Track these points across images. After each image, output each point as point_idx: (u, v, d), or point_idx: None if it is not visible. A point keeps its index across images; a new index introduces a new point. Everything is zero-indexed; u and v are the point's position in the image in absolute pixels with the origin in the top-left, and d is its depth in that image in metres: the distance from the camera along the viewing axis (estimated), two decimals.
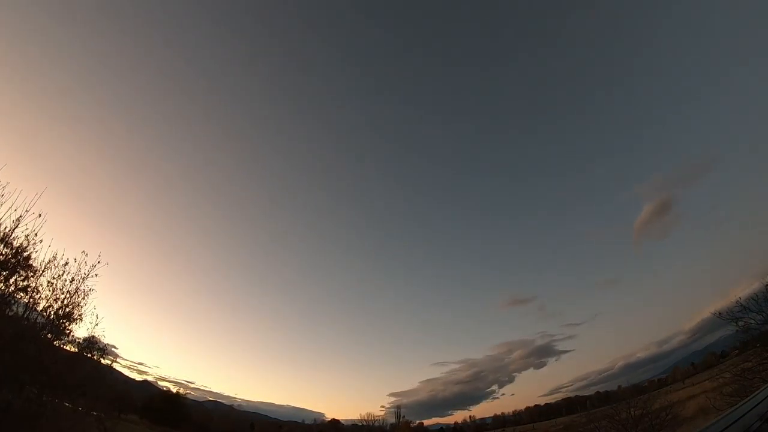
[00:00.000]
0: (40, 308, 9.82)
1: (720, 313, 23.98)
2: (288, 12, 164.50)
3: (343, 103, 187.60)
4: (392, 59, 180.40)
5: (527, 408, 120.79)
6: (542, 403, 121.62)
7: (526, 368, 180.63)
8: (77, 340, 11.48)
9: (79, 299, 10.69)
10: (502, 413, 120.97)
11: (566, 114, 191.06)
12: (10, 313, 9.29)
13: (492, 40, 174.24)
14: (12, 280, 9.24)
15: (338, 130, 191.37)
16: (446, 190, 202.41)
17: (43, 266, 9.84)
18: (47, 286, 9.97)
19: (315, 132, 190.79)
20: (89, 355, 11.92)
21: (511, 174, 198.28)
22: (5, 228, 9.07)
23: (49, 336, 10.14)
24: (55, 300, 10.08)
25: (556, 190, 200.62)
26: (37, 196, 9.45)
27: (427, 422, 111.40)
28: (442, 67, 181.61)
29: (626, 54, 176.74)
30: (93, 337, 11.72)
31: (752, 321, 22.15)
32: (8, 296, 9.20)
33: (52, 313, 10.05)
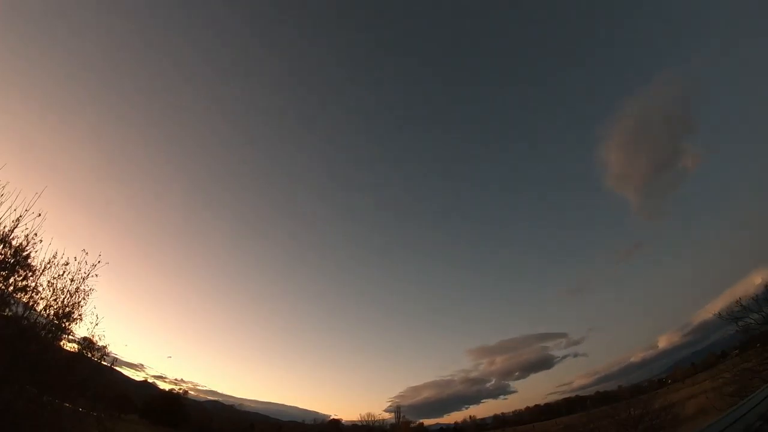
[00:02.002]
0: (39, 308, 9.80)
1: (720, 313, 24.01)
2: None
3: (352, 95, 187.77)
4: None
5: (527, 408, 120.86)
6: (542, 403, 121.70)
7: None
8: (77, 339, 11.47)
9: (79, 299, 10.67)
10: (503, 413, 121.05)
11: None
12: (9, 313, 9.27)
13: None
14: (11, 280, 9.23)
15: (341, 116, 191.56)
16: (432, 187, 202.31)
17: (42, 266, 9.82)
18: (47, 285, 9.96)
19: (318, 126, 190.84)
20: (89, 355, 11.90)
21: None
22: (5, 227, 9.07)
23: (48, 336, 10.12)
24: (55, 300, 10.05)
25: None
26: (37, 195, 9.44)
27: (427, 422, 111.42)
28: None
29: None
30: (93, 337, 11.71)
31: (752, 321, 22.15)
32: (8, 296, 9.19)
33: (51, 312, 10.03)
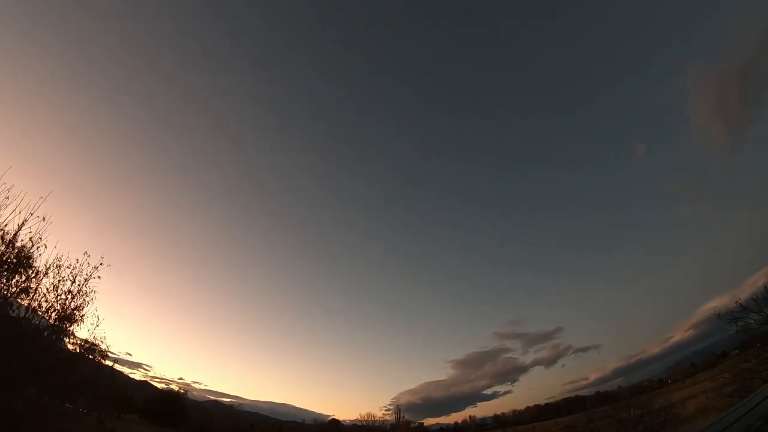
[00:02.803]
0: (41, 310, 9.83)
1: (720, 313, 24.00)
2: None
3: (351, 102, 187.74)
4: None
5: (527, 408, 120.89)
6: (542, 403, 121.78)
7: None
8: (78, 341, 11.50)
9: (81, 301, 10.70)
10: (503, 413, 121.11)
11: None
12: (12, 315, 9.30)
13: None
14: (14, 282, 9.26)
15: (340, 121, 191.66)
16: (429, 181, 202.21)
17: (45, 268, 9.86)
18: (50, 287, 9.99)
19: (319, 125, 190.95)
20: (90, 356, 11.91)
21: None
22: (9, 230, 9.10)
23: (51, 337, 10.14)
24: (57, 301, 10.09)
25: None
26: (42, 199, 9.47)
27: (427, 422, 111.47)
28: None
29: None
30: (94, 338, 11.73)
31: (752, 321, 22.15)
32: (11, 298, 9.22)
33: (53, 314, 10.06)
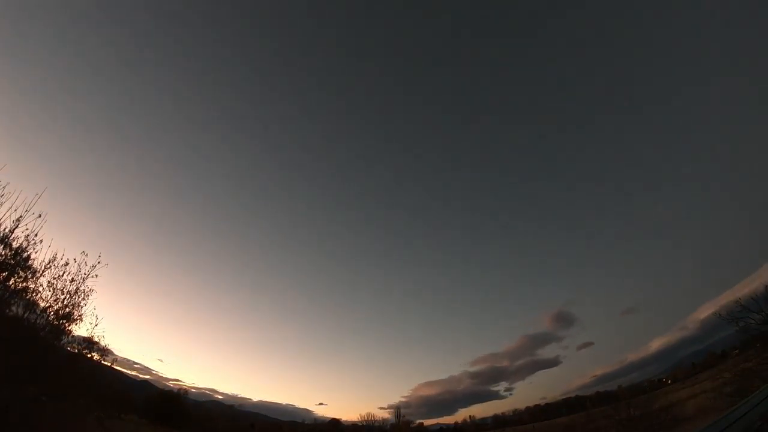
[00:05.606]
0: (40, 309, 9.83)
1: (720, 313, 24.00)
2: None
3: (347, 98, 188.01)
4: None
5: (527, 408, 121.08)
6: (542, 403, 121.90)
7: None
8: (77, 340, 11.51)
9: (79, 300, 10.72)
10: (503, 413, 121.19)
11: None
12: (9, 314, 9.29)
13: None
14: (12, 281, 9.25)
15: (340, 120, 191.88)
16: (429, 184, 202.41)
17: (42, 267, 9.85)
18: (47, 286, 9.99)
19: (318, 125, 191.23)
20: (89, 355, 11.93)
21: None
22: (5, 228, 9.08)
23: (49, 336, 10.13)
24: (55, 300, 10.10)
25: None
26: (38, 196, 9.45)
27: (427, 422, 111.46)
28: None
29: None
30: (92, 336, 11.75)
31: (752, 321, 22.13)
32: (8, 297, 9.20)
33: (51, 313, 10.06)
